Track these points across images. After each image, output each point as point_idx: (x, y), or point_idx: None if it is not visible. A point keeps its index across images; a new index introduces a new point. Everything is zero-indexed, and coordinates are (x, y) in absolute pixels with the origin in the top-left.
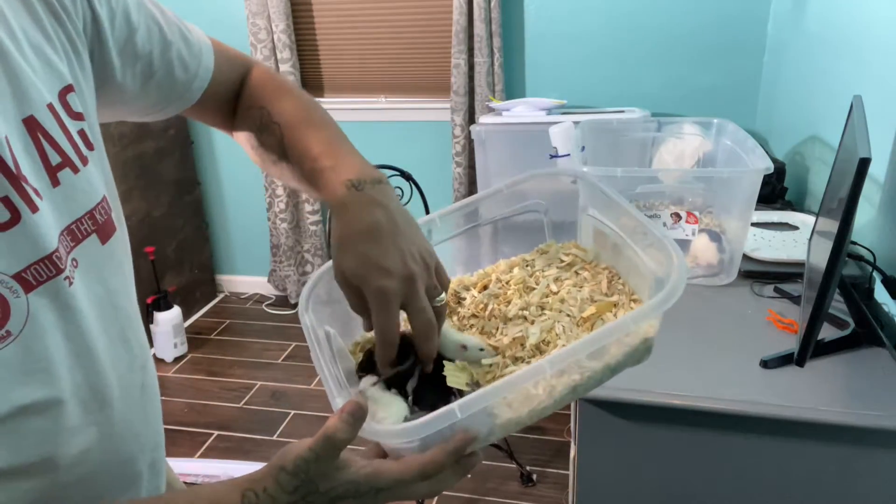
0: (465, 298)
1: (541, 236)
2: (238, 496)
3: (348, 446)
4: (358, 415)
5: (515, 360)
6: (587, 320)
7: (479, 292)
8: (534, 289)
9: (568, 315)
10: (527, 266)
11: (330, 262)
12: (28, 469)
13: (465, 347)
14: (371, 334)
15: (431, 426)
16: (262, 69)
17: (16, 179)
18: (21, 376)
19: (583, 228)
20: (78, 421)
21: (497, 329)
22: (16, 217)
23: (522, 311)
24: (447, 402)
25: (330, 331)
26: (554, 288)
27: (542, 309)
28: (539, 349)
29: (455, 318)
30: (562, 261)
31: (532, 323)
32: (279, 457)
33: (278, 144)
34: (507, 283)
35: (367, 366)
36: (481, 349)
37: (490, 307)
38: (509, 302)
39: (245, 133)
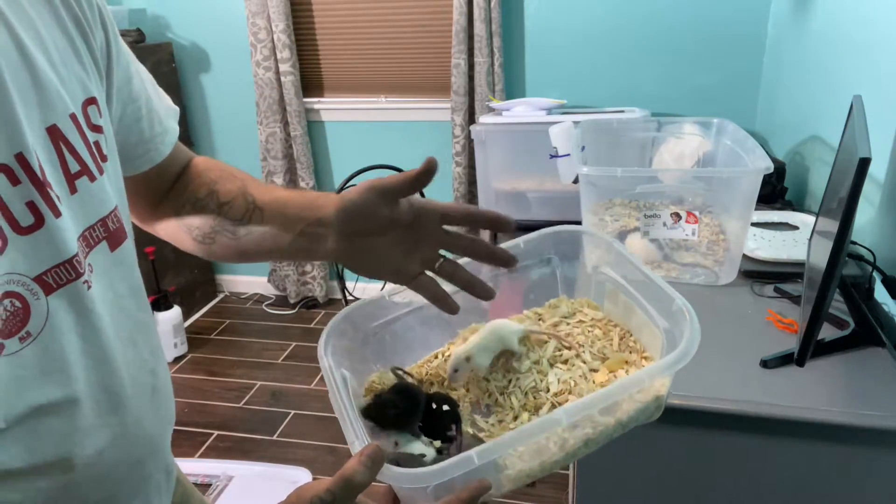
0: None
1: (553, 289)
2: None
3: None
4: (377, 458)
5: (525, 410)
6: (600, 374)
7: None
8: (546, 342)
9: (582, 367)
10: (539, 320)
11: (343, 311)
12: (44, 469)
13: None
14: (378, 378)
15: (449, 472)
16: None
17: (41, 185)
18: (39, 376)
19: (595, 285)
20: (92, 421)
21: (510, 382)
22: (39, 221)
23: (535, 364)
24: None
25: (346, 374)
26: (565, 343)
27: (552, 365)
28: (552, 403)
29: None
30: (573, 315)
31: (545, 375)
32: (295, 496)
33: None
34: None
35: (373, 412)
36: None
37: (501, 360)
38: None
39: (193, 217)
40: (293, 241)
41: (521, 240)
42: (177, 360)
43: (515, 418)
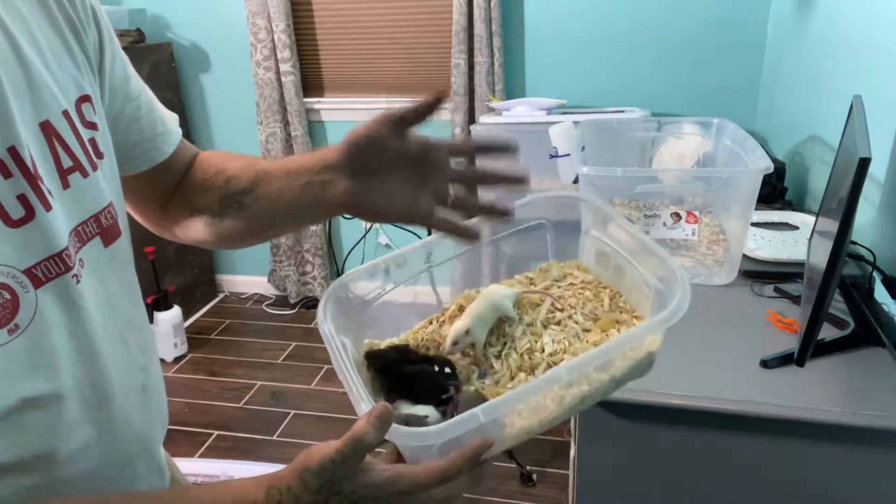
0: None
1: (544, 255)
2: (262, 493)
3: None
4: (385, 418)
5: (521, 371)
6: (592, 334)
7: None
8: (538, 305)
9: (574, 327)
10: (531, 284)
11: (340, 279)
12: (28, 464)
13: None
14: (374, 346)
15: (457, 428)
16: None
17: (32, 179)
18: (27, 370)
19: (585, 249)
20: (77, 416)
21: (505, 345)
22: (30, 214)
23: (529, 326)
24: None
25: (346, 341)
26: (558, 305)
27: (546, 326)
28: (547, 363)
29: None
30: (563, 278)
31: (540, 336)
32: (304, 457)
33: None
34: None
35: (381, 368)
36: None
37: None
38: (518, 320)
39: (202, 207)
40: (301, 193)
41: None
42: (177, 360)
43: (512, 378)
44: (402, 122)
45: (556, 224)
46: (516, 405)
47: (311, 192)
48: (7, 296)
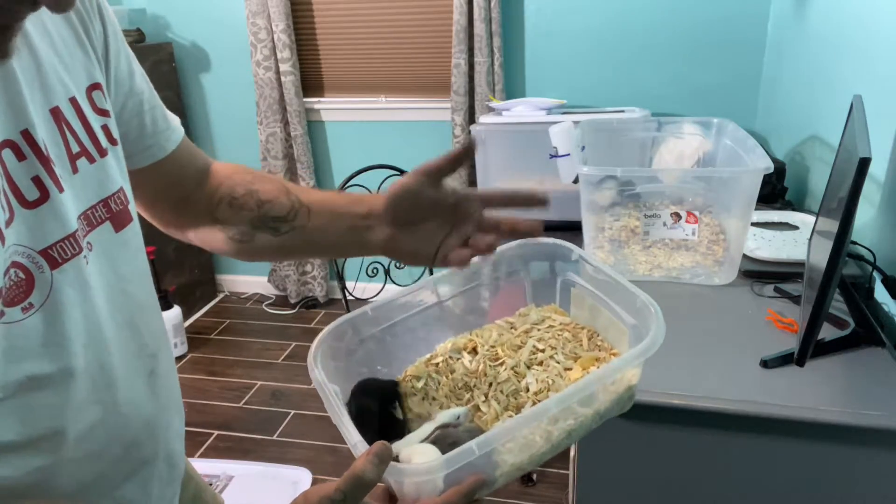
0: (458, 359)
1: (521, 299)
2: None
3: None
4: (384, 456)
5: (507, 411)
6: (574, 372)
7: (469, 353)
8: (521, 347)
9: (556, 367)
10: (511, 328)
11: (330, 326)
12: (37, 443)
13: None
14: None
15: (453, 463)
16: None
17: (46, 161)
18: (39, 348)
19: (560, 291)
20: (85, 396)
21: (489, 386)
22: (44, 196)
23: (514, 368)
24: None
25: (336, 389)
26: (540, 346)
27: (529, 367)
28: (532, 401)
29: (446, 377)
30: (542, 321)
31: (524, 376)
32: (303, 499)
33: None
34: (492, 346)
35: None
36: (458, 417)
37: (480, 367)
38: (501, 363)
39: (227, 221)
40: (344, 235)
41: (498, 250)
42: (177, 359)
43: (497, 419)
44: (437, 173)
45: (535, 268)
46: (508, 437)
47: (354, 235)
48: (22, 275)
